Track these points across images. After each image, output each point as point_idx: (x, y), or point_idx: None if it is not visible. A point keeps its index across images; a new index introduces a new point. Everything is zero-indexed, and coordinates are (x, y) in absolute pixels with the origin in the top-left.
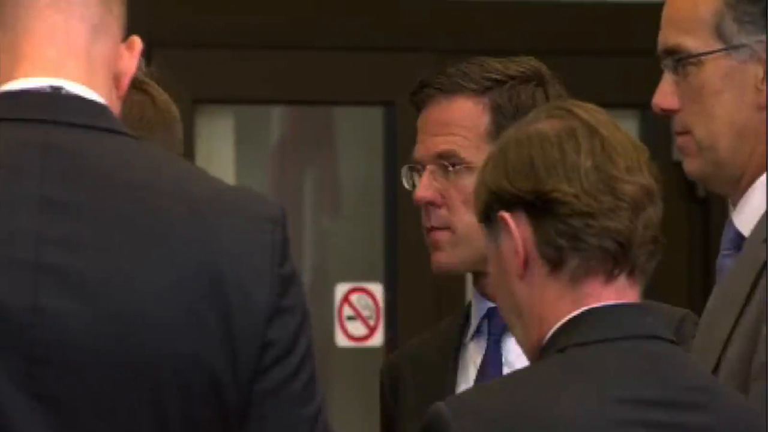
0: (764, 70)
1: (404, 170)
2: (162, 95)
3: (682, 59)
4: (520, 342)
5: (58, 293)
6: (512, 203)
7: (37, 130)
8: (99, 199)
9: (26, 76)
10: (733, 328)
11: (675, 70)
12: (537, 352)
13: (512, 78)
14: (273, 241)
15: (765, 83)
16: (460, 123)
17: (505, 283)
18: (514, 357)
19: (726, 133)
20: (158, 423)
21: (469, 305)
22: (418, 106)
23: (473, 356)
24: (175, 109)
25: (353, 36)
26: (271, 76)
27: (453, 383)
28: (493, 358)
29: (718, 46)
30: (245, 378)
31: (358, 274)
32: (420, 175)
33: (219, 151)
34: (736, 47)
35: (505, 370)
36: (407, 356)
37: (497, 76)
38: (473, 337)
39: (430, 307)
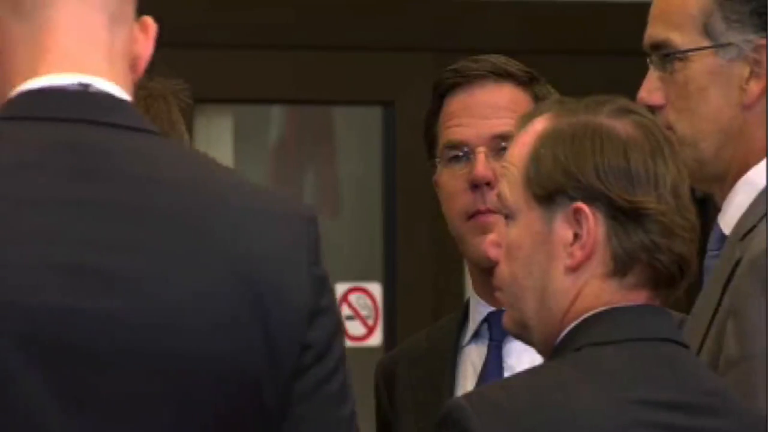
0: (750, 70)
1: (443, 155)
2: (176, 113)
3: (668, 55)
4: (524, 323)
5: (97, 295)
6: (594, 198)
7: (68, 129)
8: (133, 198)
9: (51, 71)
10: (708, 328)
11: (661, 66)
12: (549, 342)
13: (538, 76)
14: (308, 241)
15: (750, 83)
16: (512, 108)
17: (541, 267)
18: (515, 361)
19: (709, 130)
20: (197, 425)
21: (467, 304)
22: (449, 90)
23: (472, 359)
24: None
25: (352, 35)
26: (270, 75)
27: (451, 385)
28: (493, 363)
29: (706, 43)
30: (284, 379)
31: (357, 273)
32: (466, 159)
33: (218, 150)
34: (723, 45)
35: (506, 375)
36: (403, 356)
37: (533, 72)
38: (472, 339)
39: (429, 307)
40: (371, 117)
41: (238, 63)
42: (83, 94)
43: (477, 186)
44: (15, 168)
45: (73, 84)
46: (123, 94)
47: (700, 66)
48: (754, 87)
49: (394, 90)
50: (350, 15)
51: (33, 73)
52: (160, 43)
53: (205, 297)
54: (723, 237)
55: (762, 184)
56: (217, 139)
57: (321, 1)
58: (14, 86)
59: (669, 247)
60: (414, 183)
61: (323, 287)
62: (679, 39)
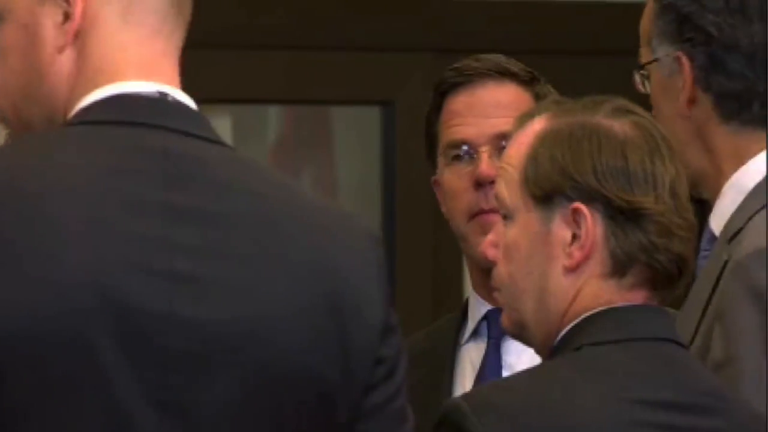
0: (682, 80)
1: (446, 155)
2: None
3: (639, 72)
4: (523, 323)
5: (191, 302)
6: (593, 199)
7: (156, 136)
8: (223, 207)
9: (133, 78)
10: (696, 330)
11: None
12: (548, 342)
13: (538, 76)
14: (378, 257)
15: (682, 92)
16: (514, 107)
17: (540, 267)
18: (514, 359)
19: (674, 140)
20: None
21: (466, 303)
22: (451, 89)
23: (471, 357)
24: None
25: (351, 35)
26: (268, 75)
27: (450, 384)
28: (492, 361)
29: (651, 57)
30: (357, 394)
31: None
32: (468, 158)
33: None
34: (656, 60)
35: (505, 373)
36: None
37: (534, 72)
38: (471, 337)
39: (428, 306)
40: (370, 117)
41: (236, 63)
42: (164, 102)
43: (480, 185)
44: (111, 172)
45: (152, 92)
46: (194, 105)
47: (653, 81)
48: (682, 96)
49: (393, 90)
50: (349, 14)
51: (116, 77)
52: None
53: (293, 309)
54: (713, 237)
55: (749, 186)
56: None
57: (319, 1)
58: (94, 84)
59: (667, 247)
60: (413, 183)
61: (390, 304)
62: (643, 54)
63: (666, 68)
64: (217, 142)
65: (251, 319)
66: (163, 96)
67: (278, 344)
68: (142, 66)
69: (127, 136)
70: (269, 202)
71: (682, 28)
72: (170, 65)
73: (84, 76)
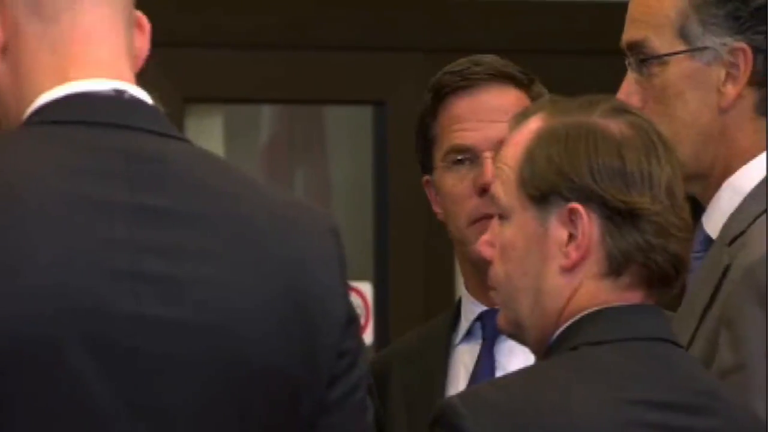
0: (726, 73)
1: (447, 159)
2: None
3: (646, 59)
4: (519, 323)
5: (158, 302)
6: (589, 199)
7: (118, 136)
8: (189, 206)
9: (84, 77)
10: (695, 332)
11: (638, 69)
12: (543, 342)
13: (533, 77)
14: (339, 253)
15: (726, 86)
16: (515, 110)
17: (536, 267)
18: (507, 361)
19: (688, 134)
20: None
21: (458, 304)
22: (451, 93)
23: (464, 358)
24: None
25: (344, 35)
26: (261, 75)
27: (443, 385)
28: (486, 362)
29: (682, 46)
30: (321, 387)
31: (348, 273)
32: (470, 163)
33: (208, 150)
34: (700, 49)
35: (498, 374)
36: (395, 355)
37: (530, 74)
38: (464, 338)
39: (420, 306)
40: (362, 116)
41: (229, 62)
42: (119, 101)
43: (485, 191)
44: (78, 174)
45: (108, 90)
46: (150, 100)
47: (677, 70)
48: (731, 90)
49: (385, 89)
50: (342, 14)
51: (63, 78)
52: (151, 43)
53: (263, 305)
54: (707, 239)
55: (746, 188)
56: (207, 138)
57: (312, 1)
58: (35, 88)
59: (664, 247)
60: (405, 182)
61: (349, 297)
62: (657, 41)
63: (707, 58)
64: (177, 137)
65: (222, 317)
66: (119, 94)
67: (249, 342)
68: (93, 64)
69: (89, 137)
70: (237, 199)
71: (747, 20)
72: (123, 60)
73: (26, 83)
